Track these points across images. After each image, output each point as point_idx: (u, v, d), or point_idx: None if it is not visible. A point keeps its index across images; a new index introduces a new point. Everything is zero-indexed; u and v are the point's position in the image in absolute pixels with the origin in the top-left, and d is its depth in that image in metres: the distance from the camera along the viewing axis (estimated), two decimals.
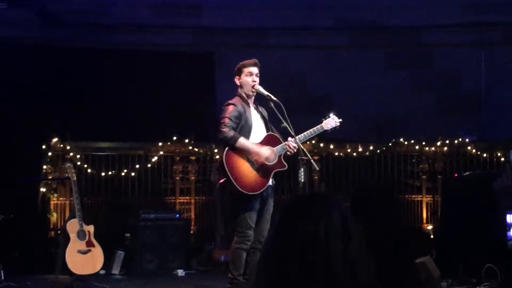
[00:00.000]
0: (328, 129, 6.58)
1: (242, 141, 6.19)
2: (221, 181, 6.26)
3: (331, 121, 6.59)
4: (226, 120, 6.21)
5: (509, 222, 6.59)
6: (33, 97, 10.62)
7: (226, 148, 6.19)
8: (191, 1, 12.09)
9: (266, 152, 6.28)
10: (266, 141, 6.39)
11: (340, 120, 6.60)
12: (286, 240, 2.03)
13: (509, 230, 6.66)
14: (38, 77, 10.81)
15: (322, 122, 6.57)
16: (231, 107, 6.30)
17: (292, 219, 2.06)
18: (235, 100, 6.42)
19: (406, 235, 2.91)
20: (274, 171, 6.38)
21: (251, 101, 6.48)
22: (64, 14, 11.60)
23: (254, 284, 2.16)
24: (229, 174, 6.15)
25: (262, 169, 6.28)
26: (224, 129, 6.17)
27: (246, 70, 6.46)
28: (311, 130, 6.51)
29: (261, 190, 6.28)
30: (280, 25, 12.13)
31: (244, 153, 6.25)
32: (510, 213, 6.44)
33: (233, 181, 6.14)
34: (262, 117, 6.53)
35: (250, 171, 6.25)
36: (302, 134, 6.46)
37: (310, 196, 2.30)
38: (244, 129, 6.32)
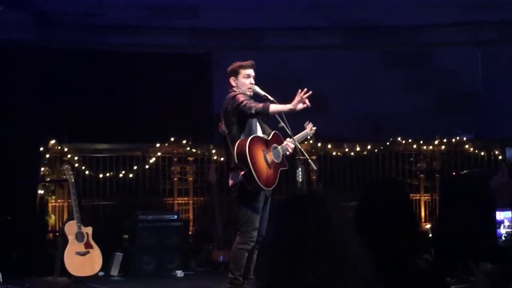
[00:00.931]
0: (310, 134, 6.99)
1: (273, 106, 6.21)
2: (242, 173, 6.19)
3: (310, 128, 6.86)
4: (246, 101, 6.21)
5: (499, 219, 6.62)
6: (30, 99, 10.61)
7: (248, 141, 6.16)
8: (188, 2, 12.09)
9: (297, 103, 6.27)
10: (274, 139, 6.43)
11: (315, 128, 6.90)
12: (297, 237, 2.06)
13: (499, 228, 6.69)
14: (34, 79, 10.81)
15: (305, 128, 6.84)
16: (240, 95, 6.31)
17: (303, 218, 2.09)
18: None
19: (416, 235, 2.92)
20: (280, 169, 6.40)
21: None
22: (60, 16, 11.58)
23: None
24: (251, 165, 6.11)
25: (273, 165, 6.30)
26: (252, 105, 6.16)
27: (244, 72, 6.44)
28: (300, 134, 6.72)
29: (273, 186, 6.30)
30: (275, 26, 12.13)
31: (260, 147, 6.24)
32: (499, 210, 6.48)
33: (254, 173, 6.11)
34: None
35: (265, 166, 6.26)
36: (296, 137, 6.54)
37: (308, 196, 2.31)
38: (246, 126, 6.33)
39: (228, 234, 8.81)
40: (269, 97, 6.44)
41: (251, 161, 6.09)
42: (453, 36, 12.14)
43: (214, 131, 8.73)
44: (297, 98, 6.19)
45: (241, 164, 6.14)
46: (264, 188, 6.19)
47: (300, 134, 6.70)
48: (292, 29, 12.20)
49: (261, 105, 6.18)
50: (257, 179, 6.10)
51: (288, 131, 6.38)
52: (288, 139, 6.46)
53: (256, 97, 6.52)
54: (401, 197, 2.93)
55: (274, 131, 6.47)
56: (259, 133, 6.41)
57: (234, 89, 6.44)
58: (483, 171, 9.77)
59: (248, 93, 6.45)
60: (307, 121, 6.86)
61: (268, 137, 6.40)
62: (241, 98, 6.24)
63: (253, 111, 6.14)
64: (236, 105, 6.22)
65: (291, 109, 6.22)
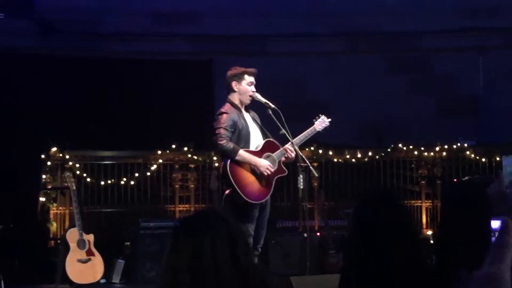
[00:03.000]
0: (321, 129, 6.73)
1: (241, 153, 6.20)
2: (227, 192, 6.25)
3: (322, 122, 6.71)
4: (222, 131, 6.20)
5: (493, 227, 6.60)
6: (32, 107, 10.62)
7: (229, 160, 6.20)
8: (190, 9, 12.10)
9: (265, 162, 6.28)
10: (266, 148, 6.41)
11: (330, 119, 6.75)
12: (177, 254, 2.35)
13: (494, 235, 6.67)
14: (36, 87, 10.81)
15: (314, 124, 6.69)
16: (224, 116, 6.29)
17: (182, 237, 2.37)
18: (227, 107, 6.40)
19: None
20: (275, 178, 6.40)
21: (243, 107, 6.49)
22: (62, 23, 11.60)
23: None
24: (234, 184, 6.14)
25: (265, 176, 6.30)
26: (222, 142, 6.16)
27: (248, 78, 6.44)
28: (305, 133, 6.63)
29: (266, 198, 6.31)
30: (278, 32, 12.14)
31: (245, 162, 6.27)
32: (494, 219, 6.45)
33: (239, 191, 6.13)
34: (255, 121, 6.54)
35: (254, 180, 6.26)
36: (297, 138, 6.51)
37: (196, 214, 2.62)
38: (242, 135, 6.33)
39: None
40: (270, 104, 6.46)
41: (234, 180, 6.13)
42: (454, 41, 12.15)
43: None
44: (264, 164, 6.21)
45: (225, 183, 6.21)
46: (253, 202, 6.20)
47: (303, 133, 6.63)
48: (295, 35, 12.21)
49: (231, 147, 6.17)
50: (243, 196, 6.13)
51: (289, 137, 6.39)
52: (288, 144, 6.44)
53: (256, 104, 6.53)
54: (396, 207, 2.94)
55: (266, 140, 6.46)
56: (253, 143, 6.40)
57: (233, 95, 6.43)
58: (484, 177, 9.75)
59: (249, 100, 6.46)
60: (321, 114, 6.76)
61: (257, 148, 6.38)
62: (220, 122, 6.24)
63: (220, 150, 6.22)
64: (214, 127, 6.27)
65: (255, 164, 6.23)
